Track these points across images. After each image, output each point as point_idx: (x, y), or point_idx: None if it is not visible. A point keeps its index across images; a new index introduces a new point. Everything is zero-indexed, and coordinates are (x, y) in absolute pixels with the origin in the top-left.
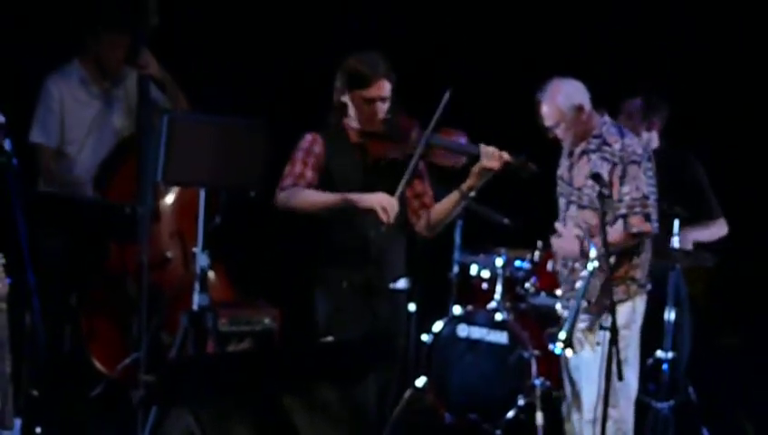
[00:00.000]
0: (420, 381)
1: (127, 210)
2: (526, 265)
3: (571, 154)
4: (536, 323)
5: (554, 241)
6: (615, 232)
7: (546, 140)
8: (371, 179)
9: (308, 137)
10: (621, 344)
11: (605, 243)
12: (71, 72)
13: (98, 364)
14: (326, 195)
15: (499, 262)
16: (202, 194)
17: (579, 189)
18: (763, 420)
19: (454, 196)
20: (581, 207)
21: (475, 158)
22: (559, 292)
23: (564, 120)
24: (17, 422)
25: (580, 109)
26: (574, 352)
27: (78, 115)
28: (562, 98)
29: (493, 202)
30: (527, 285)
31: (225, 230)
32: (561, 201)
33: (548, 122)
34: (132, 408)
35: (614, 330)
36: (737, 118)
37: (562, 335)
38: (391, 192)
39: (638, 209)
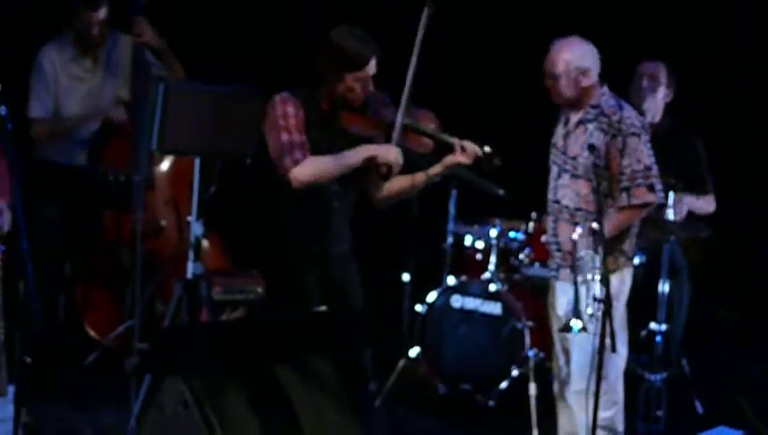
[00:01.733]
0: (414, 352)
1: (121, 178)
2: (521, 236)
3: (566, 122)
4: (530, 295)
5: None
6: (622, 207)
7: (540, 110)
8: (338, 149)
9: (287, 102)
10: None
11: (599, 211)
12: (64, 45)
13: (92, 332)
14: (345, 157)
15: (493, 233)
16: (197, 162)
17: (573, 158)
18: (758, 394)
19: (418, 177)
20: (575, 176)
21: (446, 146)
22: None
23: (566, 76)
24: (10, 389)
25: (584, 73)
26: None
27: (72, 91)
28: (573, 54)
29: (487, 173)
30: (521, 256)
31: (220, 199)
32: (554, 169)
33: (550, 68)
34: (126, 376)
35: (608, 302)
36: (737, 91)
37: (578, 324)
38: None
39: (640, 181)
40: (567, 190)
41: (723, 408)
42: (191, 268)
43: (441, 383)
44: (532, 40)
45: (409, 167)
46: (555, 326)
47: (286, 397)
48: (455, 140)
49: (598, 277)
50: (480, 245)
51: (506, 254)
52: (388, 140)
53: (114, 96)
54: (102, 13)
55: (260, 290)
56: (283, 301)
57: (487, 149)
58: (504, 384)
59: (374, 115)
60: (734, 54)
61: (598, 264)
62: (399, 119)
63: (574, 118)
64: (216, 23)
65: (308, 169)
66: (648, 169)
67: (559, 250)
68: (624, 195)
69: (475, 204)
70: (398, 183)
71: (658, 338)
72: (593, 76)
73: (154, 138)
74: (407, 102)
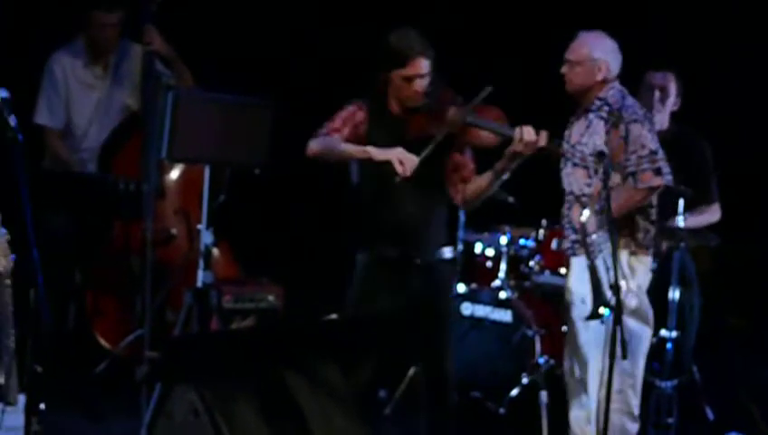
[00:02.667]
0: None
1: (131, 187)
2: (531, 243)
3: (574, 113)
4: (540, 302)
5: None
6: (628, 190)
7: (550, 117)
8: (411, 153)
9: (351, 106)
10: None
11: (607, 199)
12: (75, 52)
13: (102, 341)
14: (350, 146)
15: (503, 240)
16: (207, 171)
17: (573, 146)
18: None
19: (487, 175)
20: (575, 164)
21: (508, 139)
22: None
23: (583, 65)
24: (21, 398)
25: (600, 67)
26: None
27: (82, 99)
28: (595, 46)
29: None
30: (531, 263)
31: (230, 207)
32: (562, 159)
33: (570, 56)
34: (136, 385)
35: (618, 309)
36: (744, 96)
37: (605, 310)
38: (438, 168)
39: (646, 165)
40: (571, 178)
41: (734, 415)
42: (201, 277)
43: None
44: (542, 47)
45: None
46: (576, 311)
47: (296, 405)
48: (514, 131)
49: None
50: (490, 252)
51: (516, 261)
52: (450, 137)
53: (123, 105)
54: (116, 17)
55: (270, 298)
56: (349, 301)
57: (543, 139)
58: (514, 392)
59: (435, 114)
60: (743, 59)
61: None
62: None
63: (580, 110)
64: (225, 30)
65: (316, 141)
66: (654, 153)
67: (574, 230)
68: (630, 179)
69: (484, 211)
70: (474, 183)
71: (669, 345)
72: (609, 72)
73: (164, 146)
74: (471, 103)
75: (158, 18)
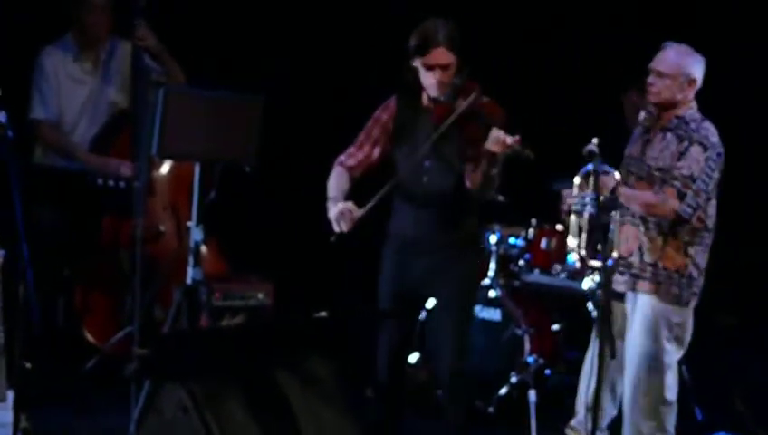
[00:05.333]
0: (413, 358)
1: (120, 184)
2: (520, 242)
3: (647, 131)
4: (530, 301)
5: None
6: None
7: (541, 116)
8: (439, 142)
9: (378, 110)
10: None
11: (596, 200)
12: (64, 47)
13: (91, 338)
14: (329, 189)
15: (493, 239)
16: (197, 168)
17: (648, 165)
18: (757, 400)
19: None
20: (640, 178)
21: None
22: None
23: (674, 78)
24: (10, 395)
25: (691, 83)
26: None
27: (71, 94)
28: (688, 61)
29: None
30: (521, 262)
31: (220, 205)
32: (631, 180)
33: (659, 67)
34: (125, 381)
35: (606, 308)
36: (731, 99)
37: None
38: (455, 155)
39: (677, 183)
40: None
41: (722, 414)
42: (191, 274)
43: (440, 389)
44: (536, 54)
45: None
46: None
47: (285, 401)
48: (492, 130)
49: None
50: None
51: (506, 260)
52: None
53: (111, 101)
54: (110, 3)
55: (260, 296)
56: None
57: (510, 139)
58: (503, 390)
59: (448, 104)
60: (732, 60)
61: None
62: (462, 107)
63: (657, 127)
64: (216, 26)
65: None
66: (692, 179)
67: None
68: (658, 185)
69: None
70: (474, 175)
71: None
72: (695, 88)
73: (154, 142)
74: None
75: (148, 14)
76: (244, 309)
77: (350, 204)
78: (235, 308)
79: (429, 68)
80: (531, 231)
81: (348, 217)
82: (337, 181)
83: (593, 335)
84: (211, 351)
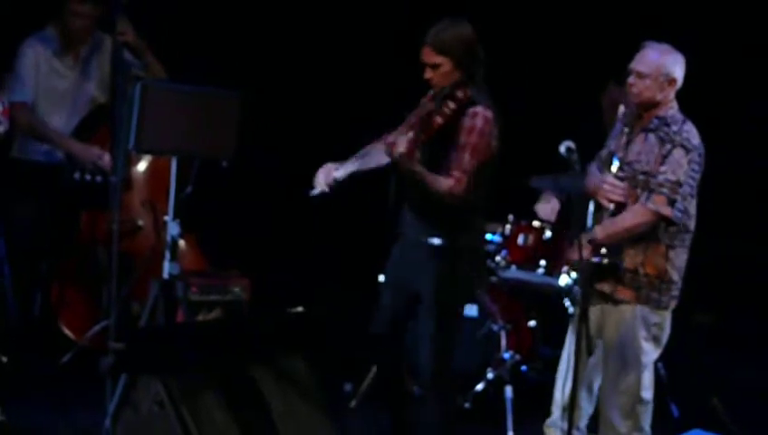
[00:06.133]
0: None
1: (97, 179)
2: (497, 238)
3: (630, 132)
4: (506, 297)
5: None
6: (636, 206)
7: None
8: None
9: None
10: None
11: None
12: (46, 40)
13: (67, 331)
14: None
15: None
16: (174, 162)
17: (628, 164)
18: (733, 397)
19: None
20: (621, 178)
21: None
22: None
23: (654, 78)
24: None
25: (671, 82)
26: None
27: (50, 86)
28: (668, 60)
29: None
30: (498, 258)
31: (197, 199)
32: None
33: (639, 67)
34: (101, 375)
35: (584, 305)
36: (713, 99)
37: None
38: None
39: (665, 190)
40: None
41: (698, 411)
42: (167, 268)
43: (417, 385)
44: (514, 50)
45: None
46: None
47: (261, 397)
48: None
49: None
50: None
51: None
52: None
53: (90, 97)
54: (90, 8)
55: (237, 291)
56: None
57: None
58: (479, 386)
59: (430, 107)
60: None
61: None
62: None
63: (638, 126)
64: (196, 22)
65: None
66: (678, 184)
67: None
68: (645, 194)
69: None
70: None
71: None
72: (676, 88)
73: (132, 137)
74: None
75: (128, 9)
76: (221, 304)
77: (336, 164)
78: (212, 303)
79: (422, 64)
80: (508, 227)
81: (324, 173)
82: (366, 149)
83: (569, 333)
84: (188, 345)
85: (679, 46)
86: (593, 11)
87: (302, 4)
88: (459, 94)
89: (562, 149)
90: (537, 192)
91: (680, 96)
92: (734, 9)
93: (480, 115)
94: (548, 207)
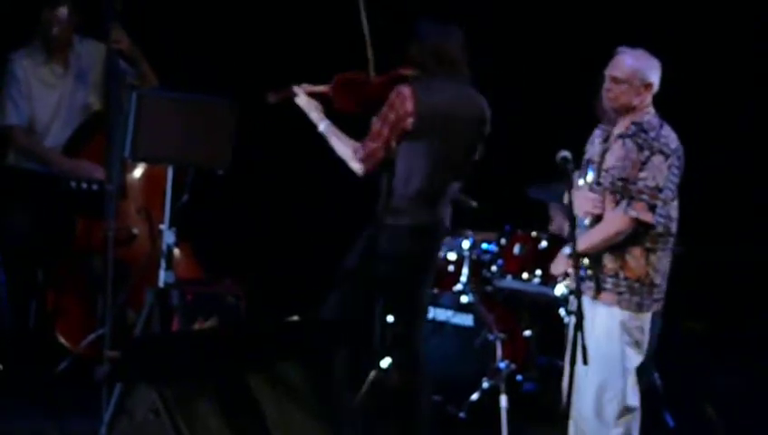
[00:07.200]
0: (385, 363)
1: (93, 187)
2: (493, 248)
3: (606, 138)
4: (502, 306)
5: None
6: (615, 214)
7: (513, 121)
8: None
9: None
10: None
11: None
12: (33, 52)
13: (63, 340)
14: None
15: (466, 244)
16: (170, 171)
17: (606, 171)
18: (726, 405)
19: None
20: (604, 187)
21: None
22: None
23: (630, 83)
24: None
25: (647, 87)
26: None
27: (43, 98)
28: (643, 65)
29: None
30: (493, 267)
31: (192, 208)
32: (574, 176)
33: (614, 72)
34: (96, 384)
35: (579, 314)
36: (694, 98)
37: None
38: None
39: (645, 197)
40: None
41: (694, 421)
42: (163, 277)
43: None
44: (510, 58)
45: None
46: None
47: (257, 405)
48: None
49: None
50: (452, 256)
51: (478, 266)
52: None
53: (84, 103)
54: (63, 12)
55: (232, 299)
56: None
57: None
58: (475, 396)
59: None
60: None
61: None
62: None
63: (615, 132)
64: (190, 30)
65: None
66: (658, 189)
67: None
68: (625, 202)
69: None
70: None
71: None
72: (652, 92)
73: (127, 145)
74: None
75: (122, 17)
76: (217, 312)
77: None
78: (208, 311)
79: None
80: (504, 237)
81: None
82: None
83: (569, 342)
84: (183, 354)
85: (676, 50)
86: (592, 16)
87: (296, 12)
88: (401, 71)
89: (558, 158)
90: (534, 202)
91: (673, 100)
92: (734, 9)
93: (396, 90)
94: (555, 224)
